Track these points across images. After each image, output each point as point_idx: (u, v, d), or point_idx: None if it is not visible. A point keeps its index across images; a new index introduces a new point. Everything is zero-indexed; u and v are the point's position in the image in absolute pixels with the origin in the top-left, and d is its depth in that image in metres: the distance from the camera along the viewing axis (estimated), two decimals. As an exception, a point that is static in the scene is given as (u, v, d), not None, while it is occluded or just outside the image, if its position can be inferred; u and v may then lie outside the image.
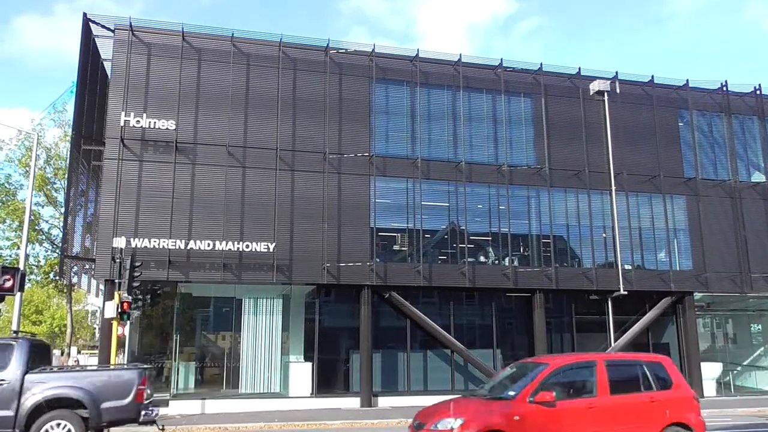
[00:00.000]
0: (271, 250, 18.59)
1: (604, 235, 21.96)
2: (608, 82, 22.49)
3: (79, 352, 44.49)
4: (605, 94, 22.42)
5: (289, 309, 20.18)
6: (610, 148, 22.16)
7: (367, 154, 19.98)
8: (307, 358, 19.63)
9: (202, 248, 18.17)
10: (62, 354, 38.75)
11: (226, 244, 18.31)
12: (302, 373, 19.21)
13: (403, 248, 20.59)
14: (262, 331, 19.74)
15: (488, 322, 21.28)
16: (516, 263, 21.03)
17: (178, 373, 19.53)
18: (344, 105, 20.22)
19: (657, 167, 22.55)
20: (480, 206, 21.22)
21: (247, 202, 18.82)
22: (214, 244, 18.25)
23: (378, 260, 19.66)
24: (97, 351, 28.88)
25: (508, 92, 21.82)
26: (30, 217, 21.10)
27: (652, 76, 23.25)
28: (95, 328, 58.95)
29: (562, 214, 21.74)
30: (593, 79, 22.60)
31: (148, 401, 10.88)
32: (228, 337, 20.90)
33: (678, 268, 22.33)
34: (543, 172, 21.50)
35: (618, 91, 22.56)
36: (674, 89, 23.58)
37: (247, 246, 18.48)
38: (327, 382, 19.64)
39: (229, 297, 19.98)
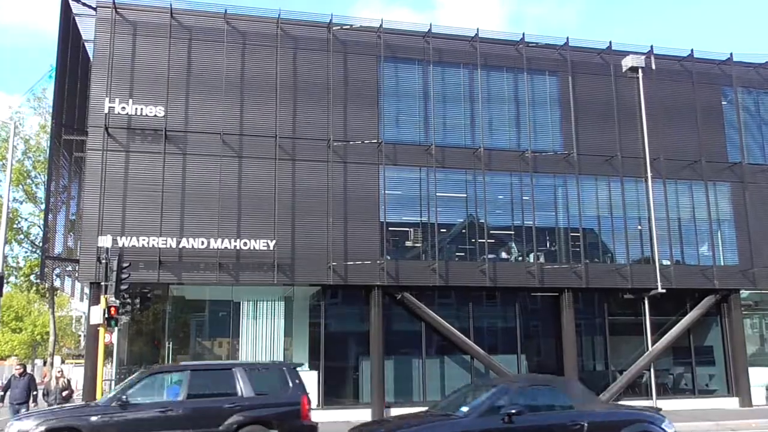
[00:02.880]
0: (272, 248, 18.60)
1: (639, 227, 21.81)
2: (643, 57, 22.29)
3: (63, 362, 44.92)
4: (639, 70, 22.20)
5: (291, 312, 20.19)
6: (646, 131, 21.96)
7: (375, 140, 19.93)
8: (312, 366, 19.60)
9: (196, 247, 18.23)
10: (45, 364, 39.08)
11: (222, 242, 18.36)
12: (307, 382, 18.75)
13: (416, 244, 20.54)
14: (262, 336, 19.77)
15: (511, 325, 21.22)
16: (542, 259, 20.96)
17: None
18: (350, 87, 20.16)
19: (698, 151, 22.33)
20: (501, 197, 21.15)
21: (244, 195, 18.83)
22: (209, 242, 18.30)
23: (389, 258, 19.64)
24: (82, 360, 29.12)
25: (531, 70, 21.67)
26: (8, 214, 21.23)
27: (692, 50, 23.02)
28: (80, 336, 59.43)
29: (593, 204, 21.63)
30: (626, 54, 22.39)
31: None
32: (225, 344, 20.89)
33: (722, 263, 22.15)
34: (571, 159, 21.38)
35: (654, 67, 22.32)
36: (717, 64, 23.31)
37: (245, 244, 18.51)
38: (335, 392, 19.67)
39: (225, 300, 20.01)
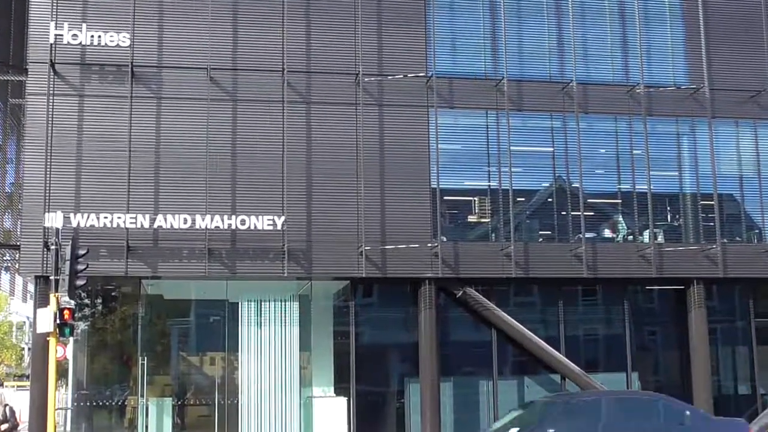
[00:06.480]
0: (279, 227, 18.56)
1: (799, 191, 21.59)
2: (804, -54, 21.90)
3: (1, 384, 45.85)
4: (800, -34, 21.88)
5: (309, 317, 20.43)
6: (809, 54, 21.65)
7: (422, 74, 19.78)
8: (339, 391, 19.90)
9: (177, 226, 18.19)
10: (-22, 387, 39.74)
11: (212, 220, 18.31)
12: (334, 412, 19.39)
13: (482, 220, 20.60)
14: (269, 350, 20.00)
15: (618, 332, 21.26)
16: (660, 239, 20.77)
17: (147, 414, 19.84)
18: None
19: None
20: (603, 151, 21.25)
21: (240, 153, 18.84)
22: (194, 221, 18.25)
23: (444, 239, 19.57)
24: (27, 382, 29.57)
25: (642, -30, 21.54)
26: None
27: None
28: (23, 349, 60.84)
29: (732, 160, 21.62)
30: (779, -58, 22.04)
31: None
32: (219, 361, 21.28)
33: None
34: (700, 96, 21.08)
35: (822, -41, 21.98)
36: None
37: (243, 222, 18.48)
38: (371, 425, 19.84)
39: (219, 300, 20.14)
